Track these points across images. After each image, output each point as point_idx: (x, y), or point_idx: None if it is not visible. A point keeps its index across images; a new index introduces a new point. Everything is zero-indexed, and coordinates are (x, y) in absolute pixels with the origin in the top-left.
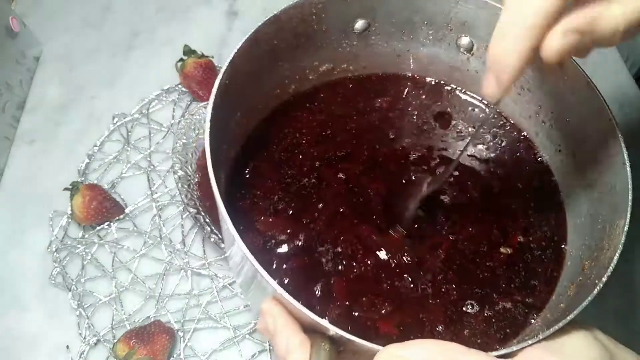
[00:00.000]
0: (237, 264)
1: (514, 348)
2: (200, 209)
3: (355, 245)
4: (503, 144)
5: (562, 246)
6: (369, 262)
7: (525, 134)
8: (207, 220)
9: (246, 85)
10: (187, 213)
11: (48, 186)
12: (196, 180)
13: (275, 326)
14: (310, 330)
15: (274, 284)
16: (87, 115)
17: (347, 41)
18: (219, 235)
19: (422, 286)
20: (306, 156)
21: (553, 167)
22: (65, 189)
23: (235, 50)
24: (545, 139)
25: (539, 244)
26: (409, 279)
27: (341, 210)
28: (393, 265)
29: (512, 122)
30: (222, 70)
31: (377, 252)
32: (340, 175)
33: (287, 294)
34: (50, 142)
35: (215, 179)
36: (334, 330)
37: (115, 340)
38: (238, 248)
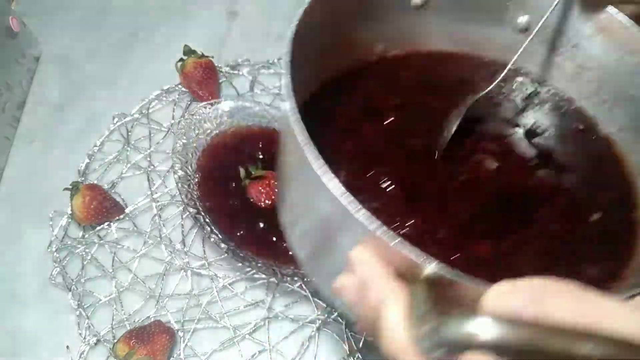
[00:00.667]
0: (307, 210)
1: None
2: (200, 209)
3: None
4: (562, 123)
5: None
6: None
7: (585, 112)
8: (207, 220)
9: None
10: (187, 213)
11: (48, 186)
12: (196, 180)
13: (366, 274)
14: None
15: (368, 219)
16: (87, 115)
17: (403, 16)
18: (219, 235)
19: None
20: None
21: (617, 145)
22: (66, 189)
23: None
24: (606, 117)
25: (614, 212)
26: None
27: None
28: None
29: (569, 99)
30: (296, 21)
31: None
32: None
33: (384, 229)
34: (50, 142)
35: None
36: (434, 269)
37: (115, 341)
38: (318, 181)
